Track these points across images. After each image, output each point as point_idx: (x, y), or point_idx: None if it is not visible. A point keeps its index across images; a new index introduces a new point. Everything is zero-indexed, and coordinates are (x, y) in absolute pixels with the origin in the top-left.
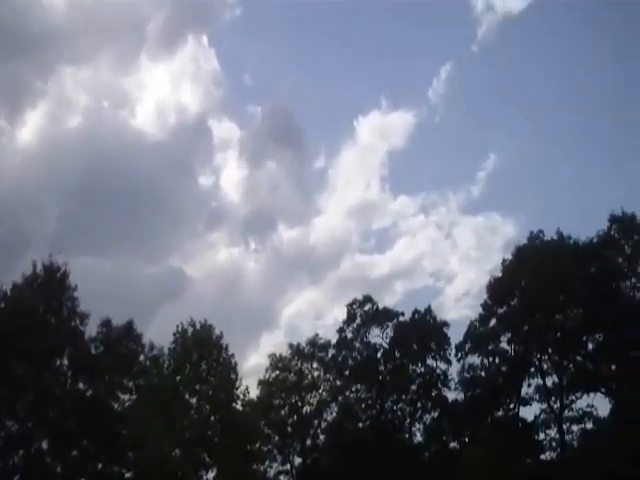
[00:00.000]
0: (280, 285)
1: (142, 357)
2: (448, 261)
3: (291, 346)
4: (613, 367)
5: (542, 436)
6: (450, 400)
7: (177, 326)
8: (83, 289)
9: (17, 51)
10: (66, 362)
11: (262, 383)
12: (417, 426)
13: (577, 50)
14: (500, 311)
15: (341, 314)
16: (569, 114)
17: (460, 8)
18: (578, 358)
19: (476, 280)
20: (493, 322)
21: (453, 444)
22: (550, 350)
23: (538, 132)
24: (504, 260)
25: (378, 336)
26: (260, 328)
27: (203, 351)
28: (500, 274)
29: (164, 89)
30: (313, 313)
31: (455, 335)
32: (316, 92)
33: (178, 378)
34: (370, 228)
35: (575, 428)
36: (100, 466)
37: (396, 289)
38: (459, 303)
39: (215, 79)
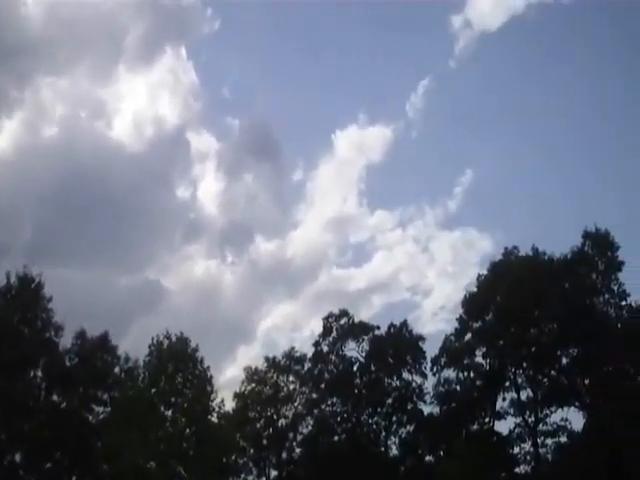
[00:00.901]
0: (257, 298)
1: (117, 369)
2: (425, 275)
3: (267, 359)
4: (587, 381)
5: (517, 450)
6: (426, 414)
7: (152, 338)
8: (59, 300)
9: None
10: (40, 373)
11: (238, 396)
12: (393, 439)
13: (554, 66)
14: (475, 325)
15: (318, 327)
16: (546, 130)
17: (438, 24)
18: (552, 372)
19: (453, 294)
20: (468, 336)
21: (429, 458)
22: (525, 364)
23: (515, 148)
24: (479, 275)
25: (354, 349)
26: (237, 340)
27: (179, 363)
28: (475, 289)
29: (142, 100)
30: (290, 326)
31: (432, 349)
32: (294, 106)
33: (153, 390)
34: (348, 242)
35: (549, 442)
36: (74, 479)
37: (373, 303)
38: (436, 317)
39: (193, 91)
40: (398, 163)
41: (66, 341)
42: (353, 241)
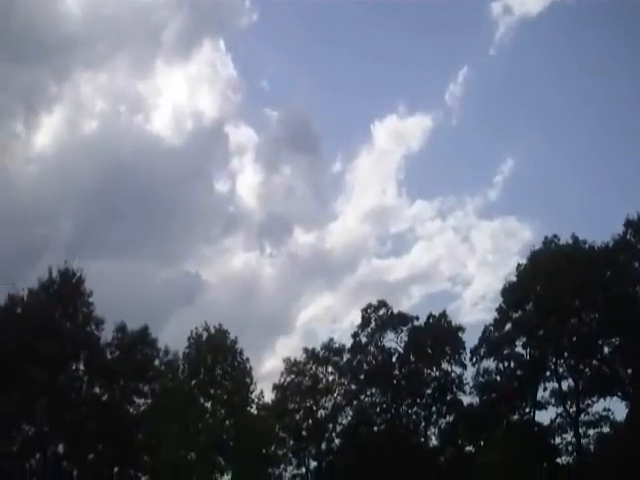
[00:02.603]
0: (296, 289)
1: (157, 362)
2: (465, 265)
3: (306, 350)
4: (629, 371)
5: (558, 440)
6: (465, 404)
7: (192, 331)
8: (99, 293)
9: (33, 56)
10: (82, 367)
11: (277, 387)
12: (432, 430)
13: (595, 54)
14: (515, 315)
15: (358, 318)
16: (587, 118)
17: (477, 11)
18: (594, 362)
19: (493, 284)
20: (508, 326)
21: (468, 448)
22: (566, 354)
23: (556, 136)
24: (519, 265)
25: (393, 340)
26: (276, 332)
27: (218, 355)
28: (515, 279)
29: (181, 94)
30: (330, 317)
31: (473, 339)
32: (333, 97)
33: (193, 382)
34: (387, 232)
35: (591, 432)
36: (116, 470)
37: (413, 293)
38: (476, 307)
39: (232, 84)
40: (437, 152)
41: (107, 334)
42: (392, 232)
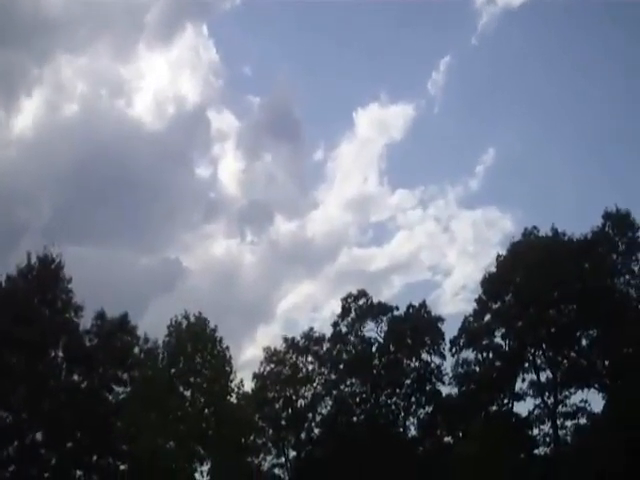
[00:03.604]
0: (277, 277)
1: (137, 349)
2: (446, 255)
3: (286, 339)
4: (607, 363)
5: (536, 431)
6: (444, 395)
7: (171, 319)
8: (78, 279)
9: (13, 38)
10: (60, 354)
11: (257, 376)
12: (411, 420)
13: (578, 43)
14: (494, 306)
15: (338, 307)
16: (569, 108)
17: (461, 1)
18: (572, 354)
19: (473, 274)
20: (487, 317)
21: (447, 439)
22: (544, 345)
23: (537, 126)
24: (499, 255)
25: (373, 330)
26: (257, 320)
27: (197, 344)
28: (494, 269)
29: (162, 78)
30: (310, 306)
31: (453, 329)
32: (315, 84)
33: (172, 371)
34: (368, 221)
35: (569, 423)
36: (95, 458)
37: (394, 282)
38: (457, 297)
39: (214, 69)
40: (419, 141)
41: (86, 321)
42: (374, 220)
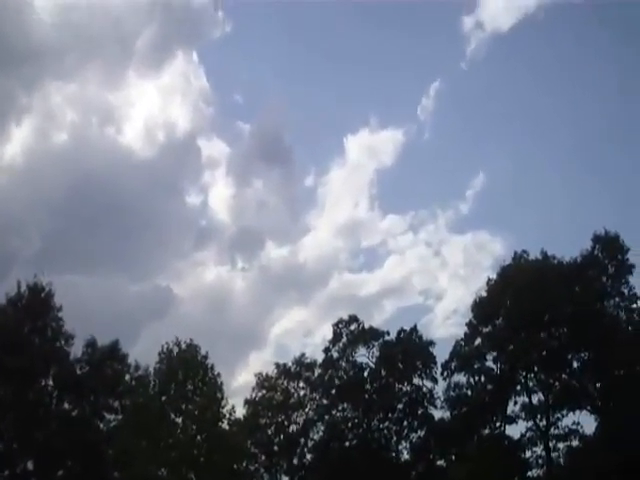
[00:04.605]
0: (268, 303)
1: (127, 377)
2: (437, 279)
3: (277, 365)
4: (598, 385)
5: (528, 454)
6: (437, 418)
7: (162, 346)
8: (68, 307)
9: (2, 66)
10: (51, 382)
11: (248, 402)
12: (404, 444)
13: (567, 67)
14: (485, 330)
15: (330, 333)
16: (559, 133)
17: (449, 26)
18: (563, 376)
19: (465, 298)
20: (478, 341)
21: (440, 462)
22: (535, 368)
23: (527, 150)
24: (489, 279)
25: (364, 355)
26: (249, 346)
27: (189, 371)
28: (485, 293)
29: (152, 106)
30: (302, 331)
31: (445, 353)
32: (305, 110)
33: (164, 398)
34: (359, 246)
35: (561, 445)
36: None
37: (385, 307)
38: (448, 321)
39: (204, 96)
40: (410, 166)
41: (76, 350)
42: (365, 246)
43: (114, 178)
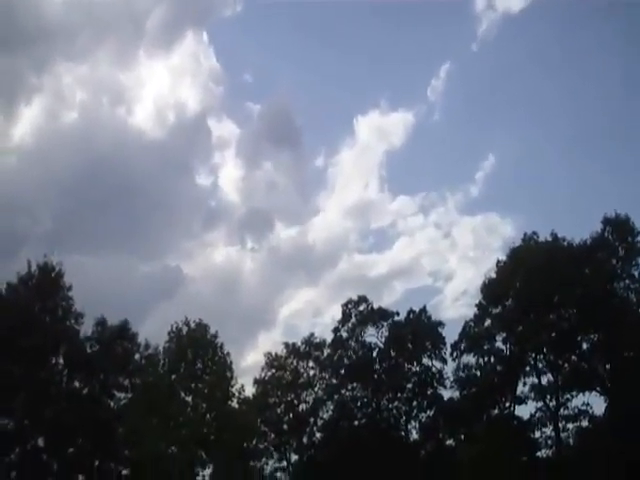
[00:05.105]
0: (278, 284)
1: (137, 356)
2: (447, 261)
3: (287, 345)
4: (608, 366)
5: (538, 434)
6: (446, 399)
7: (172, 325)
8: (79, 287)
9: (12, 46)
10: (61, 361)
11: (258, 382)
12: (413, 424)
13: (577, 49)
14: (495, 311)
15: (339, 313)
16: (569, 115)
17: (460, 7)
18: (573, 357)
19: (474, 279)
20: (488, 322)
21: (449, 442)
22: (545, 349)
23: (537, 132)
24: (499, 261)
25: (373, 335)
26: (258, 326)
27: (198, 350)
28: (495, 275)
29: (163, 86)
30: (311, 312)
31: (454, 334)
32: (316, 91)
33: (173, 377)
34: (369, 228)
35: (570, 426)
36: (96, 463)
37: (395, 288)
38: (457, 302)
39: (214, 76)
40: (420, 148)
41: (87, 329)
42: (374, 227)
43: (124, 158)
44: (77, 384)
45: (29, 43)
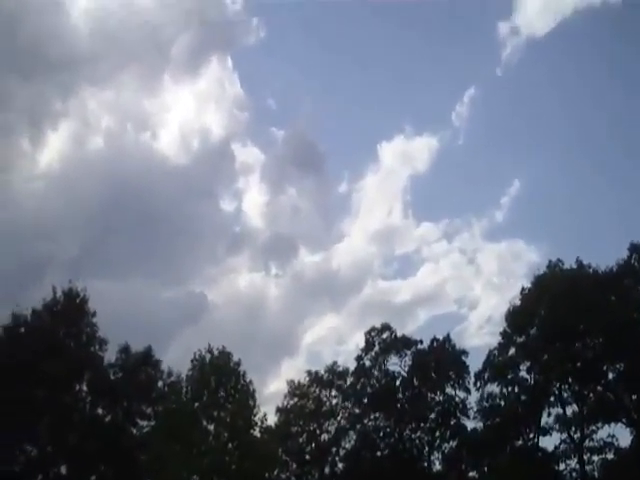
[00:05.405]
0: (301, 310)
1: (160, 383)
2: (471, 287)
3: (309, 373)
4: (634, 397)
5: (562, 466)
6: (469, 429)
7: (195, 353)
8: (102, 313)
9: (39, 72)
10: (85, 387)
11: (280, 410)
12: (436, 455)
13: (602, 74)
14: (519, 340)
15: (362, 341)
16: (594, 140)
17: (485, 32)
18: (598, 388)
19: (499, 306)
20: (512, 351)
21: (472, 473)
22: (570, 379)
23: (562, 158)
24: (523, 289)
25: (396, 364)
26: (281, 354)
27: (221, 378)
28: (519, 302)
29: (187, 112)
30: (335, 339)
31: (478, 362)
32: (340, 116)
33: (196, 404)
34: (393, 254)
35: (596, 458)
36: None
37: (419, 315)
38: (482, 330)
39: (239, 102)
40: (444, 173)
41: (110, 355)
42: (398, 253)
43: (149, 184)
44: (100, 411)
45: (55, 69)
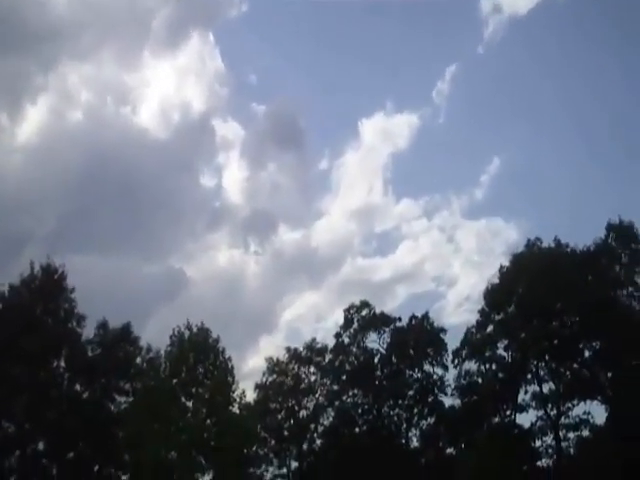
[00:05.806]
0: (281, 287)
1: (139, 359)
2: (450, 265)
3: (288, 350)
4: (609, 375)
5: (538, 443)
6: (447, 406)
7: (174, 329)
8: (80, 288)
9: (17, 46)
10: (63, 364)
11: (259, 387)
12: (413, 431)
13: (584, 52)
14: (497, 318)
15: (342, 318)
16: (574, 119)
17: (467, 10)
18: (575, 365)
19: (478, 285)
20: (490, 329)
21: (449, 450)
22: (547, 357)
23: (542, 136)
24: (501, 267)
25: (375, 341)
26: (260, 330)
27: (199, 354)
28: (497, 280)
29: (168, 86)
30: (314, 316)
31: (457, 339)
32: (320, 93)
33: (175, 381)
34: (372, 231)
35: (571, 435)
36: (96, 468)
37: (398, 293)
38: (460, 308)
39: (219, 77)
40: (424, 151)
41: (88, 331)
42: (378, 230)
43: (129, 158)
44: (78, 387)
45: (34, 42)
